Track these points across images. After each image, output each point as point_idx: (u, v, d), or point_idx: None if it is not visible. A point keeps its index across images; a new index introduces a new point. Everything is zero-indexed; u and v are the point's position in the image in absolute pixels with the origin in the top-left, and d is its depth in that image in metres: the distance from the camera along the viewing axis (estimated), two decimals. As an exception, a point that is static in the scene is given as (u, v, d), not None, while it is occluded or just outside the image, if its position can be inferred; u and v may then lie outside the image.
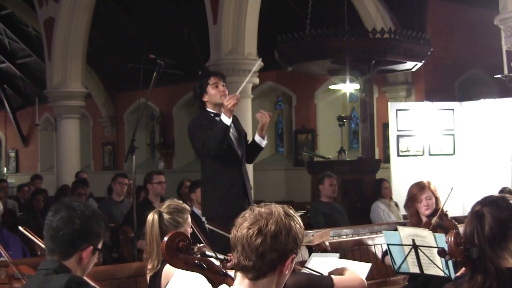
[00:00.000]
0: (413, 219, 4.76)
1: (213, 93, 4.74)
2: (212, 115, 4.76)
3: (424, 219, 4.70)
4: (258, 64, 5.18)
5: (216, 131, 4.57)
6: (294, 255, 1.95)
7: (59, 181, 12.40)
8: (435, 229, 4.47)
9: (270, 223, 1.91)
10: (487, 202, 2.47)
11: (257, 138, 4.84)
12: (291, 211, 1.99)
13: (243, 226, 1.94)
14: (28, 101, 19.90)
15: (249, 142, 4.95)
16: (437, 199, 4.71)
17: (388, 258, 4.54)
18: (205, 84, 4.77)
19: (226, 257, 3.13)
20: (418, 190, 4.72)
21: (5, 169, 21.85)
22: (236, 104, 4.54)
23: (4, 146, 22.72)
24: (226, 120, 4.53)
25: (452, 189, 4.49)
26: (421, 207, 4.69)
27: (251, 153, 4.94)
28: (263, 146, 4.86)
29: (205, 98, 4.79)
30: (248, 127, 9.42)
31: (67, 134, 12.96)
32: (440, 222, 4.49)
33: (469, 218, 2.46)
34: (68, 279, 2.20)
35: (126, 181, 7.69)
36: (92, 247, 2.33)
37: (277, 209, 1.96)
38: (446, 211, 4.67)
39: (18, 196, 11.21)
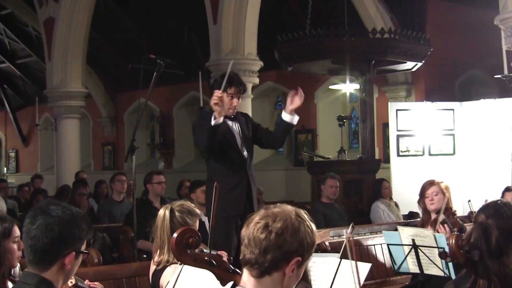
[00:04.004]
0: (424, 215, 4.90)
1: (225, 102, 4.61)
2: None
3: (433, 215, 4.79)
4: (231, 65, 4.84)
5: (206, 129, 4.51)
6: (300, 258, 1.93)
7: (59, 181, 12.39)
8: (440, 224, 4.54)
9: (278, 219, 1.92)
10: (491, 212, 2.42)
11: (286, 116, 4.64)
12: (304, 215, 1.98)
13: (253, 221, 1.96)
14: (28, 101, 19.89)
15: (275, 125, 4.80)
16: (446, 197, 4.78)
17: None
18: (223, 89, 4.64)
19: (217, 253, 3.14)
20: (426, 184, 4.89)
21: (5, 169, 21.85)
22: (220, 104, 4.39)
23: (4, 146, 22.71)
24: (212, 121, 4.44)
25: (469, 201, 4.64)
26: (427, 202, 4.83)
27: (280, 134, 4.79)
28: (294, 123, 4.68)
29: None
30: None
31: (67, 134, 12.95)
32: (446, 219, 4.55)
33: (474, 229, 2.42)
34: None
35: (125, 178, 7.71)
36: (74, 253, 2.24)
37: (289, 209, 1.96)
38: (455, 211, 4.76)
39: (18, 196, 11.21)
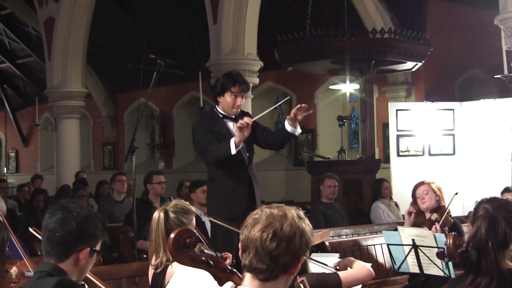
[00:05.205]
0: (418, 218, 4.89)
1: (228, 101, 4.62)
2: (221, 116, 4.68)
3: (427, 215, 4.82)
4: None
5: (221, 149, 4.51)
6: (305, 257, 1.94)
7: (59, 181, 12.40)
8: (432, 223, 4.57)
9: (285, 226, 1.88)
10: (498, 205, 2.45)
11: (289, 128, 4.54)
12: (302, 213, 1.97)
13: (256, 228, 1.90)
14: (28, 101, 19.89)
15: (277, 129, 4.80)
16: (438, 196, 4.86)
17: None
18: (226, 88, 4.63)
19: (222, 255, 3.15)
20: (417, 185, 4.95)
21: (5, 169, 21.85)
22: (245, 129, 4.36)
23: (4, 146, 22.71)
24: (233, 148, 4.41)
25: (456, 194, 4.70)
26: (419, 202, 4.88)
27: (279, 141, 4.74)
28: (297, 134, 4.61)
29: (219, 99, 4.69)
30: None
31: (67, 134, 12.95)
32: (438, 218, 4.57)
33: (481, 222, 2.43)
34: (56, 282, 2.19)
35: (125, 178, 7.72)
36: (89, 249, 2.31)
37: (290, 211, 1.93)
38: (449, 210, 4.74)
39: (18, 196, 11.21)
